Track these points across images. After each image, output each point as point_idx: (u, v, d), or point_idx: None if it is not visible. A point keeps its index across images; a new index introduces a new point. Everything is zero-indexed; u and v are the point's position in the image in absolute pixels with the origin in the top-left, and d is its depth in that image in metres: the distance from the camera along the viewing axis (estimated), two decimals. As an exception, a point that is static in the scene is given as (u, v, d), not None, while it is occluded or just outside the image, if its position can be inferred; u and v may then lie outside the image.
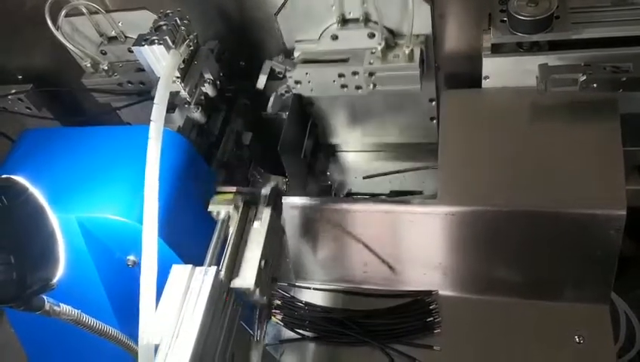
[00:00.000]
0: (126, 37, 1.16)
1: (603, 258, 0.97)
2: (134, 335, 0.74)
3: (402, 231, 1.06)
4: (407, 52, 1.03)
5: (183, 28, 1.00)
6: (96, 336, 0.74)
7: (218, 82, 1.12)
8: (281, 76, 1.16)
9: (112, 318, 0.90)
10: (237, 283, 0.81)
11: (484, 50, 1.03)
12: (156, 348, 0.73)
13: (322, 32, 1.10)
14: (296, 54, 1.13)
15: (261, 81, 1.13)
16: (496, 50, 1.02)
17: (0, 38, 1.28)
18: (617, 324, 1.10)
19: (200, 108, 1.07)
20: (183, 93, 1.02)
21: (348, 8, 1.06)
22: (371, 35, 1.06)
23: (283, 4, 1.06)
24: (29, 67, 1.31)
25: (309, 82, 1.11)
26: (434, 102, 1.17)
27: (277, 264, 0.86)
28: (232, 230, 0.84)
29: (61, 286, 0.66)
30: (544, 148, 0.98)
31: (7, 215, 0.60)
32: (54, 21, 1.06)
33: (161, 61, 0.96)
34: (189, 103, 1.05)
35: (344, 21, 1.07)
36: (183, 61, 1.00)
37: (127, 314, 0.85)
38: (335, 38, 1.08)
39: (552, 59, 0.98)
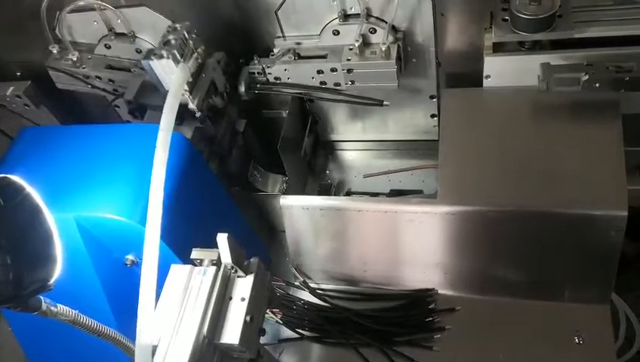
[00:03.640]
0: (136, 37, 1.15)
1: (604, 258, 0.96)
2: (132, 336, 0.74)
3: (402, 231, 1.05)
4: (383, 48, 1.03)
5: (191, 42, 1.02)
6: (94, 336, 0.74)
7: (225, 93, 1.13)
8: (261, 77, 1.15)
9: (110, 318, 0.90)
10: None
11: (486, 49, 1.02)
12: (154, 348, 0.72)
13: (323, 28, 1.09)
14: (275, 50, 1.13)
15: (241, 88, 1.13)
16: (498, 49, 1.02)
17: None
18: (617, 324, 1.10)
19: (208, 120, 1.08)
20: (192, 106, 1.04)
21: (349, 3, 1.05)
22: (373, 31, 1.05)
23: (284, 0, 1.06)
24: (27, 64, 1.30)
25: (288, 78, 1.12)
26: (435, 99, 1.17)
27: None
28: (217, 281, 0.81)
29: (59, 286, 0.66)
30: (545, 148, 0.98)
31: (3, 215, 0.60)
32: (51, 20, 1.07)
33: (170, 74, 0.98)
34: (197, 115, 1.06)
35: (345, 16, 1.07)
36: (191, 75, 1.01)
37: (126, 314, 0.85)
38: (337, 33, 1.08)
39: (554, 59, 0.97)
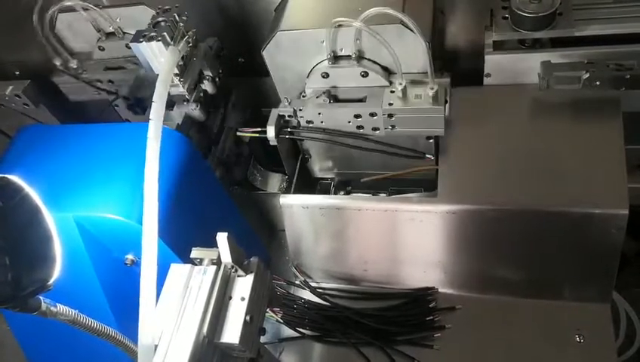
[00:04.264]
0: (124, 33, 1.15)
1: (604, 257, 0.96)
2: (132, 335, 0.74)
3: (402, 230, 1.05)
4: (431, 93, 0.92)
5: (181, 24, 0.99)
6: (94, 336, 0.74)
7: (217, 79, 1.10)
8: (292, 120, 1.04)
9: (110, 318, 0.89)
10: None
11: (486, 47, 1.02)
12: (155, 347, 0.72)
13: (312, 69, 1.00)
14: (307, 92, 1.02)
15: (270, 132, 1.02)
16: (498, 47, 1.02)
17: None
18: (617, 322, 1.10)
19: (199, 106, 1.06)
20: (182, 90, 1.01)
21: (340, 44, 0.96)
22: (365, 74, 0.97)
23: (268, 41, 0.98)
24: (26, 63, 1.30)
25: (321, 122, 1.02)
26: (431, 140, 1.05)
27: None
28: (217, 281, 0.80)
29: (59, 286, 0.66)
30: (545, 147, 0.97)
31: (1, 215, 0.59)
32: (42, 19, 1.06)
33: (160, 58, 0.95)
34: (188, 100, 1.04)
35: (335, 58, 0.98)
36: (182, 58, 0.98)
37: (125, 313, 0.85)
38: (326, 75, 0.99)
39: (554, 57, 0.97)
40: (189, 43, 1.01)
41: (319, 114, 1.01)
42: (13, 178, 0.64)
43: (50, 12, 1.07)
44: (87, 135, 1.00)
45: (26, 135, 1.03)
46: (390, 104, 0.95)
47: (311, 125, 1.03)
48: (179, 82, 1.00)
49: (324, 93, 1.00)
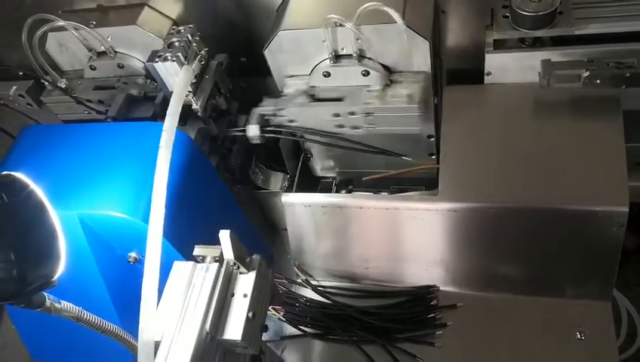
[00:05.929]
0: (116, 52, 1.15)
1: (605, 255, 0.96)
2: (135, 332, 0.74)
3: (403, 228, 1.06)
4: (405, 92, 0.95)
5: (194, 44, 1.02)
6: (98, 333, 0.74)
7: (229, 94, 1.13)
8: (274, 119, 1.05)
9: (113, 315, 0.90)
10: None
11: (487, 46, 1.02)
12: (157, 344, 0.73)
13: (313, 68, 1.01)
14: (287, 91, 1.04)
15: (252, 131, 1.05)
16: (499, 46, 1.02)
17: (1, 34, 1.27)
18: (618, 320, 1.10)
19: (212, 121, 1.09)
20: (196, 107, 1.04)
21: (341, 44, 0.96)
22: (366, 73, 0.97)
23: (270, 40, 0.98)
24: (29, 63, 1.30)
25: (302, 121, 1.04)
26: (433, 139, 1.09)
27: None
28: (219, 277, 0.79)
29: (62, 283, 0.66)
30: (546, 145, 0.98)
31: (7, 212, 0.60)
32: (30, 38, 1.07)
33: (174, 76, 0.99)
34: (201, 115, 1.06)
35: (337, 57, 0.98)
36: (195, 76, 1.02)
37: (129, 310, 0.85)
38: (327, 75, 1.00)
39: (554, 55, 0.97)
40: (202, 62, 1.04)
41: (299, 113, 1.02)
42: (19, 175, 0.64)
43: (41, 31, 1.08)
44: (90, 134, 1.01)
45: (29, 134, 1.04)
46: (367, 103, 0.97)
47: (292, 124, 1.05)
48: (192, 99, 1.03)
49: (304, 92, 1.02)
